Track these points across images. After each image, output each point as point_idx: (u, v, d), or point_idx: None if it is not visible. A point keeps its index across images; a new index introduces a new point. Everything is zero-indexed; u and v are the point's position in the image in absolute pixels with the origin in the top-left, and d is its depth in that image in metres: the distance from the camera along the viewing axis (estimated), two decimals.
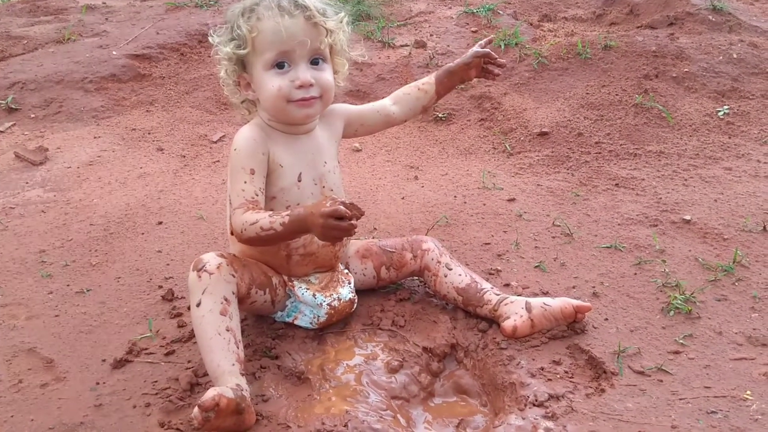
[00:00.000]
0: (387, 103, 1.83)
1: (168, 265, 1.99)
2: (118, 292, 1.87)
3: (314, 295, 1.65)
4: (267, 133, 1.62)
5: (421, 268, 1.77)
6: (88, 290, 1.88)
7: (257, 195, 1.54)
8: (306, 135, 1.66)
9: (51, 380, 1.56)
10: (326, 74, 1.58)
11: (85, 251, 2.06)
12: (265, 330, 1.67)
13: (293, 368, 1.56)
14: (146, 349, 1.65)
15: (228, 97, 1.67)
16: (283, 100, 1.55)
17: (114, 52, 3.44)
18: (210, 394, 1.30)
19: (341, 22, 1.59)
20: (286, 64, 1.54)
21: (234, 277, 1.50)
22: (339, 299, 1.66)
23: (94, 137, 2.85)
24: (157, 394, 1.50)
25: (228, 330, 1.44)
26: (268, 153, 1.59)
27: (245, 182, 1.54)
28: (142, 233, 2.16)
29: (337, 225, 1.37)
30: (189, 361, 1.59)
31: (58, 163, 2.64)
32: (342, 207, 1.36)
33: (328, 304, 1.65)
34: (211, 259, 1.49)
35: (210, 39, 1.63)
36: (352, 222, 1.37)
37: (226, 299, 1.47)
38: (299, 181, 1.62)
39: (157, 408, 1.46)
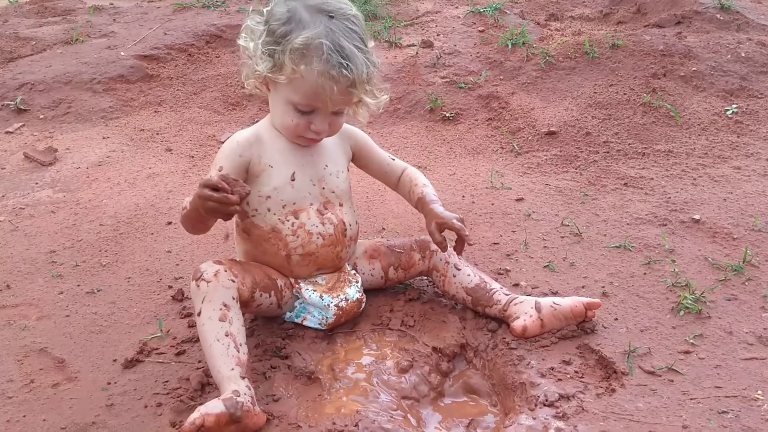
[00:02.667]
0: (398, 172, 1.81)
1: (178, 265, 2.00)
2: (128, 293, 1.88)
3: (321, 297, 1.65)
4: (263, 137, 1.63)
5: (429, 268, 1.77)
6: (98, 290, 1.89)
7: None
8: None
9: (62, 380, 1.57)
10: (341, 120, 1.62)
11: (95, 251, 2.07)
12: (275, 330, 1.67)
13: (303, 368, 1.56)
14: (157, 348, 1.65)
15: (244, 81, 1.66)
16: (293, 132, 1.60)
17: (122, 53, 3.46)
18: (191, 417, 1.31)
19: (379, 98, 1.59)
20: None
21: (233, 282, 1.51)
22: (346, 299, 1.67)
23: (103, 138, 2.86)
24: (168, 393, 1.51)
25: (227, 335, 1.45)
26: (252, 157, 1.61)
27: (209, 176, 1.58)
28: (152, 233, 2.17)
29: (210, 195, 1.37)
30: (199, 361, 1.59)
31: (68, 163, 2.65)
32: (216, 178, 1.38)
33: (335, 305, 1.65)
34: (208, 267, 1.51)
35: (241, 41, 1.58)
36: (228, 195, 1.37)
37: (225, 305, 1.48)
38: (292, 180, 1.63)
39: (168, 408, 1.47)
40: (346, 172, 1.73)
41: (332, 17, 1.48)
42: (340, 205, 1.69)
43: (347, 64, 1.46)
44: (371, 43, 1.58)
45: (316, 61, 1.46)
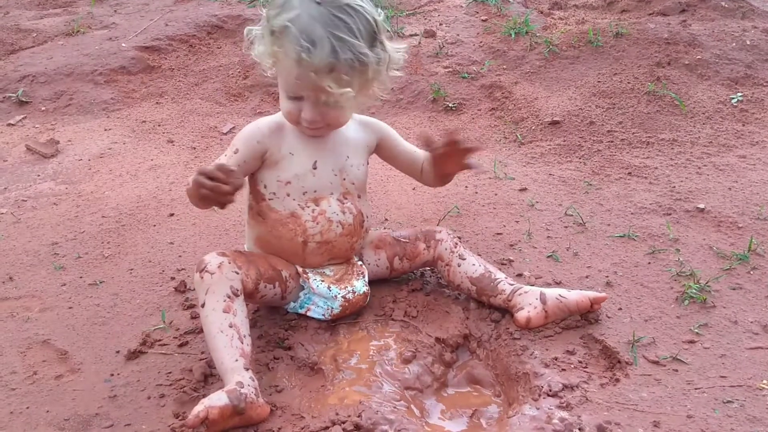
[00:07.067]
0: (420, 159, 1.78)
1: (180, 256, 1.99)
2: (130, 284, 1.88)
3: (329, 287, 1.65)
4: (285, 126, 1.63)
5: (434, 258, 1.76)
6: (101, 282, 1.88)
7: None
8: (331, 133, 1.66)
9: (65, 372, 1.57)
10: (336, 113, 1.56)
11: (97, 243, 2.07)
12: (278, 321, 1.67)
13: (306, 359, 1.56)
14: (160, 340, 1.65)
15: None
16: (290, 120, 1.60)
17: (123, 44, 3.44)
18: (195, 410, 1.31)
19: (342, 90, 1.47)
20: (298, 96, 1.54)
21: (238, 273, 1.51)
22: (353, 292, 1.66)
23: (105, 129, 2.85)
24: (171, 385, 1.51)
25: (231, 326, 1.45)
26: (270, 145, 1.61)
27: (225, 155, 1.62)
28: (154, 225, 2.17)
29: (204, 183, 1.38)
30: (202, 352, 1.59)
31: (69, 155, 2.65)
32: (214, 167, 1.39)
33: (342, 297, 1.65)
34: (212, 259, 1.52)
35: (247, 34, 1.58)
36: (221, 186, 1.37)
37: (229, 296, 1.48)
38: (314, 168, 1.63)
39: (171, 399, 1.47)
40: (366, 165, 1.73)
41: (319, 3, 1.45)
42: (359, 196, 1.69)
43: (309, 48, 1.42)
44: (388, 43, 1.54)
45: (285, 44, 1.45)
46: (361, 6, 1.49)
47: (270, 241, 1.66)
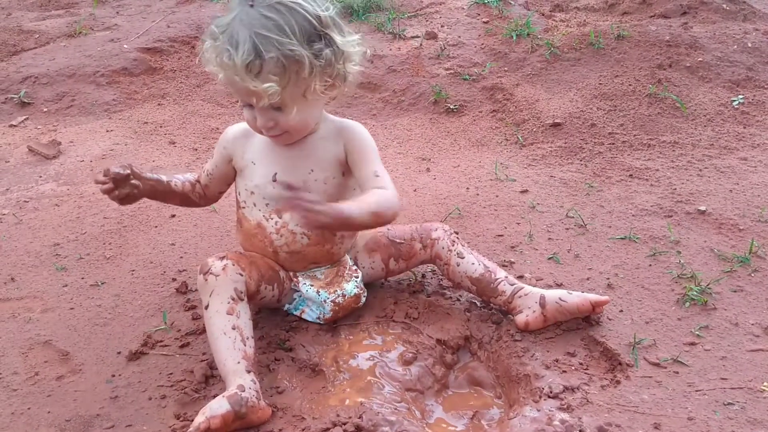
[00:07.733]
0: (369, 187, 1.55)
1: (181, 257, 2.00)
2: (132, 285, 1.88)
3: (318, 292, 1.64)
4: (252, 134, 1.61)
5: (431, 257, 1.73)
6: (102, 283, 1.89)
7: (204, 173, 1.74)
8: (296, 142, 1.60)
9: (67, 372, 1.57)
10: (287, 118, 1.48)
11: (99, 244, 2.07)
12: (278, 322, 1.67)
13: (307, 360, 1.56)
14: (161, 341, 1.66)
15: None
16: (254, 129, 1.56)
17: (125, 46, 3.45)
18: (196, 421, 1.31)
19: (267, 89, 1.39)
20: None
21: (242, 276, 1.51)
22: (343, 295, 1.65)
23: (107, 131, 2.86)
24: (172, 386, 1.51)
25: (234, 328, 1.46)
26: (234, 152, 1.65)
27: (209, 161, 1.74)
28: (156, 226, 2.17)
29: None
30: (203, 353, 1.59)
31: (71, 156, 2.65)
32: (103, 170, 1.58)
33: (332, 301, 1.64)
34: (216, 261, 1.52)
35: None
36: (100, 187, 1.58)
37: (233, 298, 1.48)
38: (274, 180, 1.60)
39: (172, 400, 1.47)
40: (338, 177, 1.61)
41: (252, 6, 1.41)
42: None
43: (229, 50, 1.39)
44: (339, 38, 1.45)
45: (215, 50, 1.44)
46: (296, 3, 1.41)
47: (248, 249, 1.67)
